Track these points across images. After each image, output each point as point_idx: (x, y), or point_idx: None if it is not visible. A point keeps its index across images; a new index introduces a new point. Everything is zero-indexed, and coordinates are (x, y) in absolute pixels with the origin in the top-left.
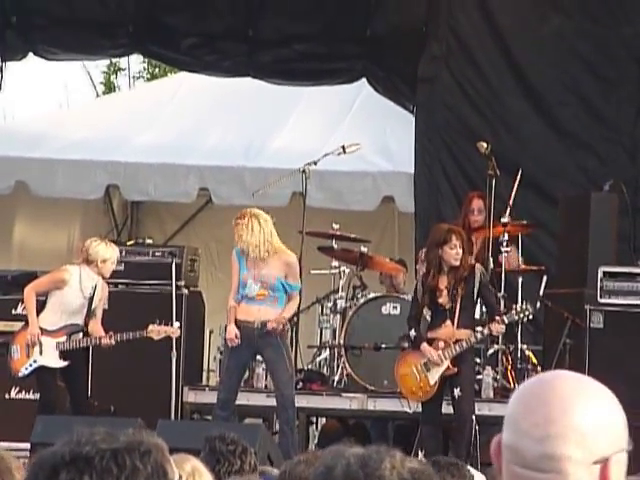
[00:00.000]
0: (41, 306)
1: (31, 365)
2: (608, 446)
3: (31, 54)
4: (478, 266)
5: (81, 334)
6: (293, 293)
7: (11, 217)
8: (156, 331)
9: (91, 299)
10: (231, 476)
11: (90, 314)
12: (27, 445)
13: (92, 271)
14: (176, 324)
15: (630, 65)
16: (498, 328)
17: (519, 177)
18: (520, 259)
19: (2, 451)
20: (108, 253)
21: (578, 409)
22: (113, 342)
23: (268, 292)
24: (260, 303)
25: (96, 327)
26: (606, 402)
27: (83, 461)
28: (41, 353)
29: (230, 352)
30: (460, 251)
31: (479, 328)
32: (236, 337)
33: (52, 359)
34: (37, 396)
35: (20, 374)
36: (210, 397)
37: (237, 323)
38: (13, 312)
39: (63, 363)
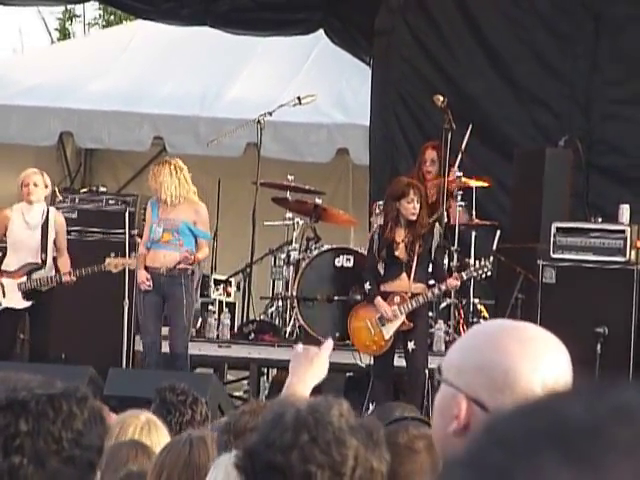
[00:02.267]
0: (3, 254)
1: None
2: None
3: None
4: (437, 227)
5: (42, 272)
6: (202, 242)
7: None
8: (114, 264)
9: (45, 232)
10: (182, 426)
11: (47, 248)
12: None
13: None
14: (133, 254)
15: (586, 20)
16: (454, 284)
17: (470, 131)
18: (470, 215)
19: None
20: (20, 178)
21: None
22: (74, 278)
23: (172, 235)
24: (165, 247)
25: (64, 263)
26: None
27: (19, 405)
28: (4, 295)
29: (142, 299)
30: (417, 206)
31: (432, 282)
32: (147, 280)
33: (15, 300)
34: None
35: None
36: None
37: (146, 269)
38: None
39: (27, 303)
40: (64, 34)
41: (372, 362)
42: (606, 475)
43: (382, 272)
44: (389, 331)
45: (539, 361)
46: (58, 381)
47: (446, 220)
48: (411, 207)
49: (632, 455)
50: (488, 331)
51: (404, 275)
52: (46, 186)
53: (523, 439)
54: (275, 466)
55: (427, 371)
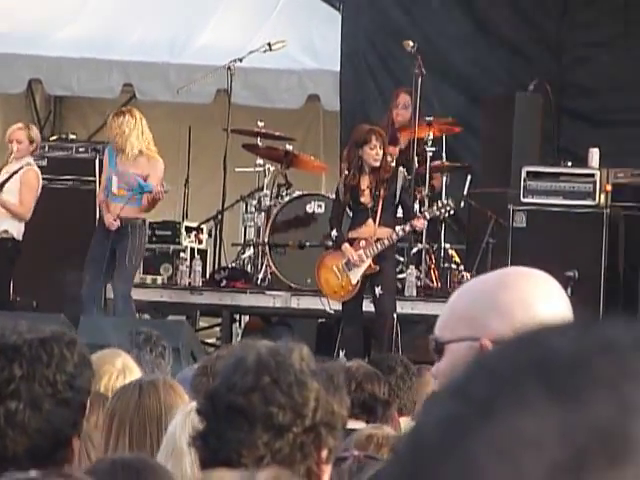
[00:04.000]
0: None
1: None
2: None
3: None
4: (401, 169)
5: None
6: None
7: None
8: None
9: (3, 183)
10: None
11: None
12: None
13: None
14: None
15: None
16: (419, 223)
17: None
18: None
19: None
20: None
21: None
22: None
23: (127, 192)
24: (120, 201)
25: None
26: None
27: (12, 350)
28: None
29: (93, 244)
30: (380, 152)
31: (399, 227)
32: (115, 220)
33: None
34: None
35: None
36: (135, 293)
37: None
38: None
39: None
40: None
41: (341, 308)
42: (589, 409)
43: (350, 219)
44: (356, 276)
45: (548, 291)
46: (44, 326)
47: (417, 166)
48: (374, 153)
49: (617, 390)
50: (489, 278)
51: (370, 221)
52: (31, 141)
53: (508, 371)
54: (236, 408)
55: (395, 315)
